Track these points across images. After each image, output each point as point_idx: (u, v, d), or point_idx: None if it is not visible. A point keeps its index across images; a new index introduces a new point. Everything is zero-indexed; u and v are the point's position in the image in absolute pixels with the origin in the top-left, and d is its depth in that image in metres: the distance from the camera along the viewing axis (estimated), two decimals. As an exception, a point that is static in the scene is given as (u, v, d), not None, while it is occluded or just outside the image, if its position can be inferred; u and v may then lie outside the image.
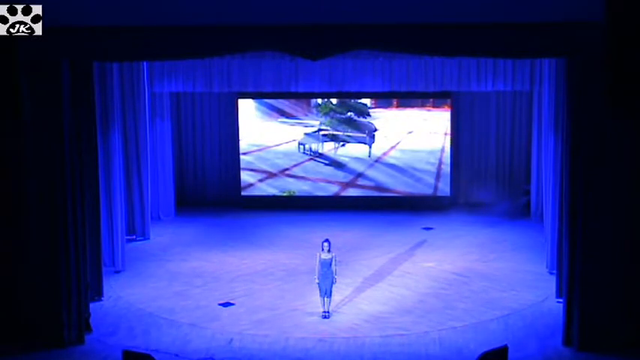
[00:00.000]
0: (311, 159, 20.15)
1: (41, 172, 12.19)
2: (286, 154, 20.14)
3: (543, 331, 12.81)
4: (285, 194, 20.12)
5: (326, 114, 19.88)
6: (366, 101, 19.74)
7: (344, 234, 17.86)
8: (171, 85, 18.39)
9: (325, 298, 13.38)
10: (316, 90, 18.67)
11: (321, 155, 20.12)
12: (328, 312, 13.42)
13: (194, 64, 18.01)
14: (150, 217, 18.01)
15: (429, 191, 19.99)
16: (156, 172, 18.96)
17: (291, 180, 20.17)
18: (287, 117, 20.01)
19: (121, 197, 15.81)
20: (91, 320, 12.99)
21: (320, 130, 19.96)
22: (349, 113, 19.81)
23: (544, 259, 15.60)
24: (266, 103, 19.88)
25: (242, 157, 20.08)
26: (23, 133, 12.11)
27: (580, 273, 12.02)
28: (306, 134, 19.98)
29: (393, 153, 20.00)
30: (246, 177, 20.16)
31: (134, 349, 11.12)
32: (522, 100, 19.66)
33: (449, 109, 19.62)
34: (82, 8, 11.77)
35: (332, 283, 13.30)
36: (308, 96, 19.48)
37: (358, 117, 19.84)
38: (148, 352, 10.75)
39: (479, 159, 20.13)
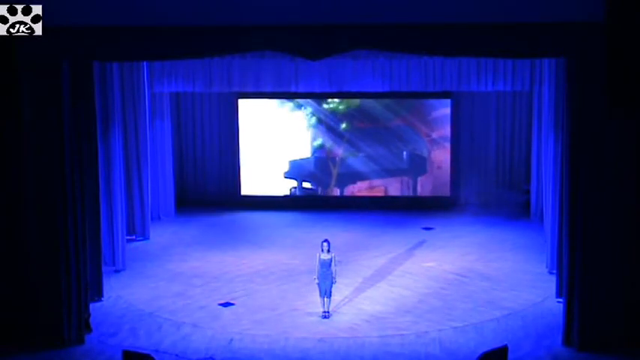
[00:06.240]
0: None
1: (41, 171, 12.19)
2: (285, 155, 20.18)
3: (543, 331, 12.81)
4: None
5: None
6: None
7: (344, 234, 17.85)
8: (171, 85, 18.38)
9: (325, 299, 13.38)
10: (316, 90, 18.62)
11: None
12: (328, 312, 13.42)
13: (194, 64, 18.01)
14: (150, 217, 18.00)
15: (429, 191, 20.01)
16: (156, 172, 18.95)
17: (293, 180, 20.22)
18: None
19: (121, 197, 15.80)
20: (91, 320, 12.99)
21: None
22: None
23: (544, 259, 15.59)
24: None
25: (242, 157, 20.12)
26: (23, 132, 12.11)
27: (580, 273, 12.02)
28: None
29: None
30: (246, 178, 20.20)
31: (134, 349, 11.14)
32: (522, 100, 19.64)
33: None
34: (82, 8, 11.77)
35: (332, 283, 13.30)
36: (308, 96, 19.46)
37: None
38: (148, 352, 10.75)
39: (479, 159, 20.11)
